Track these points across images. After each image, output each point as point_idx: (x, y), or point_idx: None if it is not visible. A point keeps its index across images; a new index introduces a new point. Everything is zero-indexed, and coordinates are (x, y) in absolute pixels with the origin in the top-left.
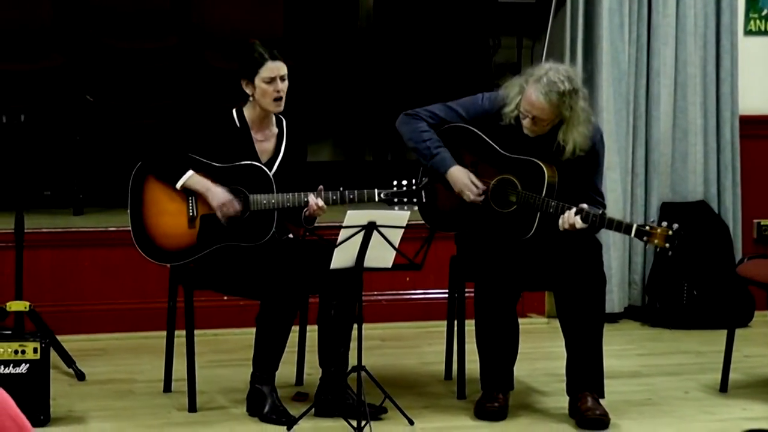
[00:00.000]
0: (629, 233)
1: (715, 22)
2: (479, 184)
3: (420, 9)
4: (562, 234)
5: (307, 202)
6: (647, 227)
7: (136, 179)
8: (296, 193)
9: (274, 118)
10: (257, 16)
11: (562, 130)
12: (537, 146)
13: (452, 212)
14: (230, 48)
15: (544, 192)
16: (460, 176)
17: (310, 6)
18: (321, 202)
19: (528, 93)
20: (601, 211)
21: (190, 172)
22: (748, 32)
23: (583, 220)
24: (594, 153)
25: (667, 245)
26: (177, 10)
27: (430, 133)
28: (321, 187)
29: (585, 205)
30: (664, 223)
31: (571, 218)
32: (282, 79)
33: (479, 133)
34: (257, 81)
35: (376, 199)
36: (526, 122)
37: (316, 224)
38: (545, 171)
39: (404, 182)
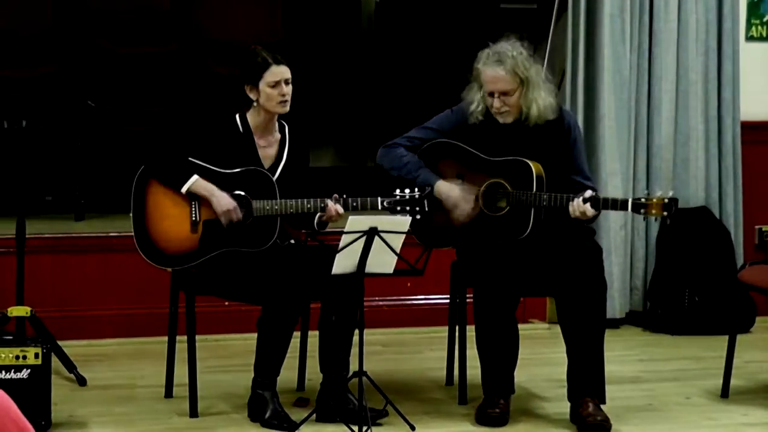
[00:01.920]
0: (625, 209)
1: (716, 28)
2: (469, 194)
3: (422, 14)
4: (561, 233)
5: (324, 206)
6: (642, 199)
7: (139, 183)
8: (300, 200)
9: (276, 124)
10: (257, 21)
11: (523, 96)
12: (516, 139)
13: (447, 226)
14: (231, 53)
15: (534, 187)
16: (448, 189)
17: (310, 11)
18: (341, 209)
19: (484, 74)
20: (595, 193)
21: (195, 177)
22: (749, 38)
23: (593, 206)
24: (567, 131)
25: (665, 213)
26: (177, 15)
27: (408, 156)
28: (336, 195)
29: (590, 192)
30: (659, 192)
31: (581, 206)
32: (287, 82)
33: (459, 144)
34: (262, 85)
35: (379, 207)
36: (496, 104)
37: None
38: (531, 166)
39: (407, 190)
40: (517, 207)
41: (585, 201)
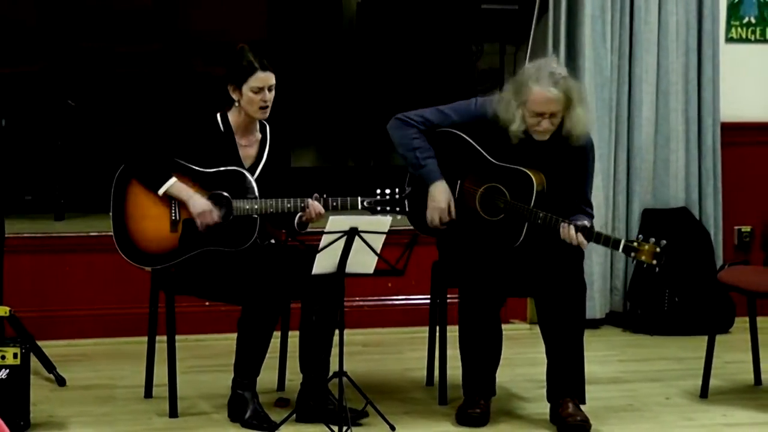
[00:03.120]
0: (617, 249)
1: (696, 29)
2: (452, 212)
3: (403, 15)
4: (546, 241)
5: (304, 207)
6: (635, 243)
7: (119, 182)
8: (280, 199)
9: (258, 124)
10: (241, 20)
11: (567, 116)
12: (528, 152)
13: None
14: (214, 52)
15: (533, 202)
16: (438, 196)
17: (293, 11)
18: (322, 209)
19: (536, 95)
20: (589, 225)
21: (173, 180)
22: (729, 39)
23: (586, 238)
24: (584, 155)
25: (654, 262)
26: (160, 14)
27: (420, 140)
28: (317, 194)
29: (586, 222)
30: (652, 240)
31: (572, 234)
32: (270, 89)
33: (469, 139)
34: (245, 89)
35: (359, 207)
36: (543, 125)
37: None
38: (533, 180)
39: (387, 191)
40: (513, 217)
41: (577, 230)
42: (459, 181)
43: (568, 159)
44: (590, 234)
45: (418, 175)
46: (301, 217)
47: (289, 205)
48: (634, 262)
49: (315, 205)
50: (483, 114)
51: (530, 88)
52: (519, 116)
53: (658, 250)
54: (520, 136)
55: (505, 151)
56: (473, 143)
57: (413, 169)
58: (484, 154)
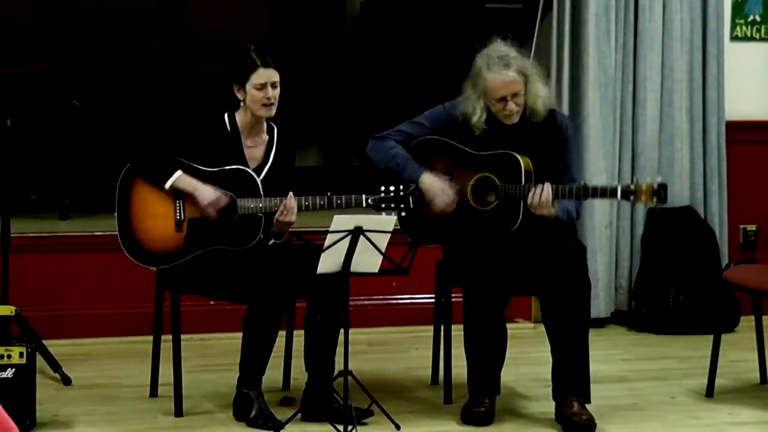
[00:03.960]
0: (615, 196)
1: (701, 27)
2: (450, 187)
3: (407, 14)
4: (548, 229)
5: (309, 205)
6: (631, 186)
7: (124, 181)
8: (284, 198)
9: (265, 125)
10: (244, 20)
11: (528, 93)
12: (499, 140)
13: (436, 221)
14: (217, 52)
15: (523, 180)
16: (432, 182)
17: (296, 10)
18: (294, 205)
19: (491, 81)
20: (583, 183)
21: (179, 173)
22: (734, 38)
23: (583, 196)
24: (559, 130)
25: (655, 199)
26: (163, 14)
27: (397, 148)
28: (291, 193)
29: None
30: (648, 178)
31: (546, 194)
32: (273, 86)
33: (447, 140)
34: (248, 87)
35: (364, 204)
36: (510, 107)
37: (302, 229)
38: (520, 159)
39: (392, 188)
40: (507, 200)
41: (554, 197)
42: (448, 180)
43: (543, 139)
44: (585, 191)
45: (405, 180)
46: (277, 219)
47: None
48: (635, 205)
49: (291, 201)
50: (453, 116)
51: (484, 77)
52: (480, 107)
53: (655, 187)
54: (482, 127)
55: (480, 145)
56: (453, 142)
57: (399, 177)
58: (466, 149)
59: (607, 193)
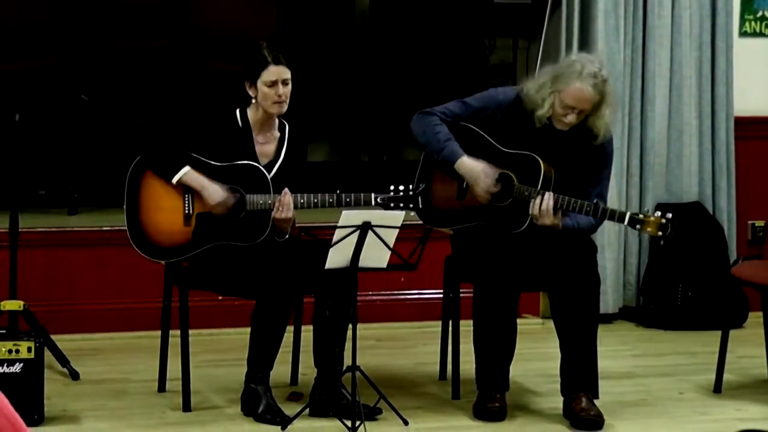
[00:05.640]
0: (622, 221)
1: (710, 23)
2: (492, 171)
3: (415, 9)
4: (555, 233)
5: (317, 203)
6: (640, 215)
7: (133, 174)
8: (294, 195)
9: (276, 122)
10: (252, 16)
11: (593, 115)
12: (548, 140)
13: (448, 208)
14: (226, 47)
15: (539, 185)
16: (473, 165)
17: (305, 5)
18: (290, 201)
19: (574, 90)
20: (595, 201)
21: (187, 168)
22: (743, 33)
23: (593, 214)
24: (603, 154)
25: (660, 233)
26: (172, 9)
27: (440, 126)
28: (287, 189)
29: (591, 220)
30: (658, 212)
31: (548, 204)
32: (284, 83)
33: (477, 130)
34: (259, 84)
35: (373, 203)
36: (569, 118)
37: (310, 225)
38: (542, 165)
39: (401, 187)
40: (519, 202)
41: (556, 208)
42: (487, 162)
43: (586, 154)
44: (596, 210)
45: (442, 159)
46: (275, 225)
47: (302, 201)
48: (640, 235)
49: (287, 198)
50: (506, 99)
51: (571, 81)
52: (549, 102)
53: (663, 221)
54: (545, 122)
55: (525, 136)
56: (482, 133)
57: (436, 155)
58: (493, 142)
59: (615, 217)
